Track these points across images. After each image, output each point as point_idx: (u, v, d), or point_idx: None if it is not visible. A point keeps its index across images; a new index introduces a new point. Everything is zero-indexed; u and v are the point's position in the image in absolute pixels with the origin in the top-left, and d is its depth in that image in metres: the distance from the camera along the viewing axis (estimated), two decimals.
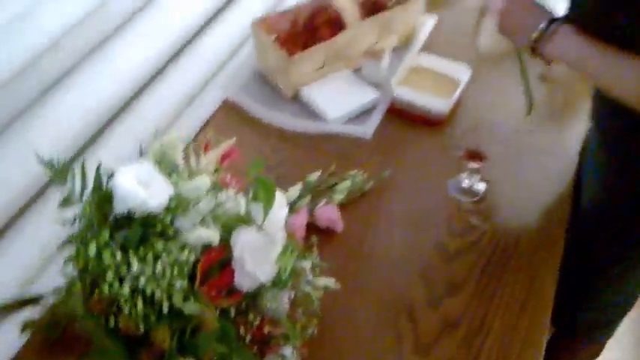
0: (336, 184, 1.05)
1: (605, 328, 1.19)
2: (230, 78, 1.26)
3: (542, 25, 0.85)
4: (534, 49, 0.87)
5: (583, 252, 1.07)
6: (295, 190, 0.94)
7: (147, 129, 1.16)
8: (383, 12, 1.23)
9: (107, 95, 1.07)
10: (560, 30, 0.84)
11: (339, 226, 0.99)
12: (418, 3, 1.28)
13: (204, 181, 0.74)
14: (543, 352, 0.86)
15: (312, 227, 0.97)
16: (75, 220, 0.73)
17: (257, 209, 0.76)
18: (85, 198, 0.74)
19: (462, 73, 1.19)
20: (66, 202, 0.72)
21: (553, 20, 0.85)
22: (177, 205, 0.73)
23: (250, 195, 0.75)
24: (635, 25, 0.76)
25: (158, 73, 1.16)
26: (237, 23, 1.37)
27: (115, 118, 1.08)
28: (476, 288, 0.92)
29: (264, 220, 0.75)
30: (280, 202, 0.77)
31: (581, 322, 1.19)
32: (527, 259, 0.96)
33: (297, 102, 1.21)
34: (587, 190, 1.05)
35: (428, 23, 1.35)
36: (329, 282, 0.84)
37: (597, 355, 1.28)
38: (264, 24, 1.23)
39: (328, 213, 0.98)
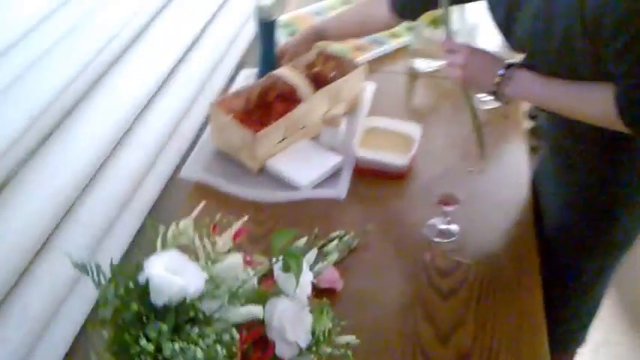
0: (324, 245, 1.10)
1: (577, 334, 1.31)
2: (192, 159, 1.29)
3: (501, 71, 1.00)
4: (496, 92, 1.01)
5: (549, 269, 1.18)
6: (312, 255, 0.98)
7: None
8: (332, 84, 1.33)
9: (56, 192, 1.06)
10: (517, 73, 0.99)
11: (340, 284, 1.04)
12: (359, 73, 1.40)
13: (236, 258, 0.77)
14: None
15: (312, 289, 1.00)
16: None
17: (286, 278, 0.79)
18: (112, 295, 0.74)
19: (412, 129, 1.30)
20: (104, 304, 0.72)
21: (509, 65, 0.99)
22: (215, 287, 0.75)
23: (280, 265, 0.79)
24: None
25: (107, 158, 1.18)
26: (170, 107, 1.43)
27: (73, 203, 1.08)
28: (477, 319, 0.99)
29: (296, 288, 0.79)
30: (305, 268, 0.82)
31: (554, 334, 1.30)
32: (513, 286, 1.05)
33: (264, 175, 1.26)
34: (550, 212, 1.18)
35: (369, 89, 1.47)
36: (350, 339, 0.88)
37: None
38: (222, 105, 1.28)
39: (328, 274, 1.03)
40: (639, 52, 0.85)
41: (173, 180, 1.39)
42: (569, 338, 1.31)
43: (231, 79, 1.72)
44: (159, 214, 1.33)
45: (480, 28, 1.53)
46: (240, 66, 1.80)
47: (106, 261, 0.79)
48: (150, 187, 1.34)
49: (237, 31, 2.01)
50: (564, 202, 1.15)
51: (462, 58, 1.04)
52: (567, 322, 1.26)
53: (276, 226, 1.16)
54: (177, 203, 1.31)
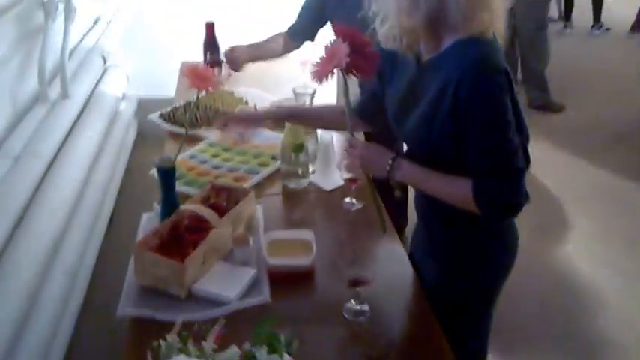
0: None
1: None
2: (124, 299, 1.39)
3: (390, 161, 1.35)
4: (389, 177, 1.35)
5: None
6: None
7: None
8: (233, 209, 1.56)
9: None
10: (402, 163, 1.35)
11: None
12: (251, 197, 1.65)
13: (235, 350, 0.94)
14: None
15: None
16: None
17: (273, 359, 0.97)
18: None
19: (306, 234, 1.56)
20: None
21: (396, 156, 1.35)
22: None
23: (265, 349, 0.96)
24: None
25: None
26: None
27: None
28: None
29: None
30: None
31: None
32: (427, 347, 1.30)
33: (192, 298, 1.41)
34: (427, 276, 1.50)
35: (259, 210, 1.71)
36: None
37: None
38: (142, 245, 1.43)
39: None
40: (492, 160, 1.25)
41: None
42: None
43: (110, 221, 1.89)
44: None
45: (334, 144, 1.90)
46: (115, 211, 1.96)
47: None
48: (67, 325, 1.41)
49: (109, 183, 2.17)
50: (439, 265, 1.50)
51: (358, 152, 1.40)
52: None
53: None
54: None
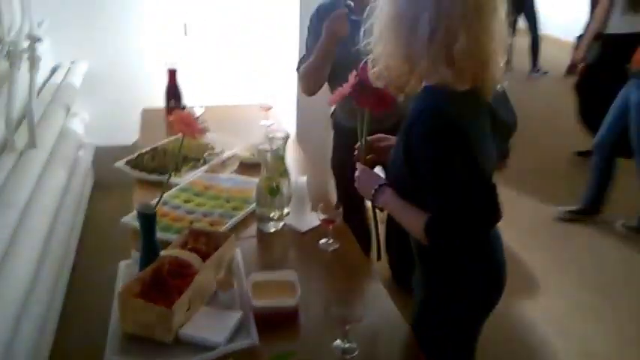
0: None
1: None
2: (110, 347, 1.37)
3: (375, 187, 1.45)
4: (373, 201, 1.46)
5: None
6: None
7: None
8: (216, 253, 1.57)
9: None
10: (386, 190, 1.44)
11: None
12: (232, 240, 1.67)
13: None
14: None
15: None
16: None
17: None
18: None
19: (289, 275, 1.58)
20: None
21: (382, 184, 1.44)
22: None
23: None
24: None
25: None
26: None
27: None
28: None
29: None
30: None
31: None
32: None
33: (178, 344, 1.39)
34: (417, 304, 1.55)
35: (238, 253, 1.72)
36: None
37: None
38: (127, 292, 1.41)
39: None
40: (444, 197, 1.30)
41: None
42: None
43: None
44: None
45: (304, 183, 1.95)
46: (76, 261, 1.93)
47: None
48: None
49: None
50: (429, 295, 1.55)
51: (357, 174, 1.52)
52: None
53: None
54: None
